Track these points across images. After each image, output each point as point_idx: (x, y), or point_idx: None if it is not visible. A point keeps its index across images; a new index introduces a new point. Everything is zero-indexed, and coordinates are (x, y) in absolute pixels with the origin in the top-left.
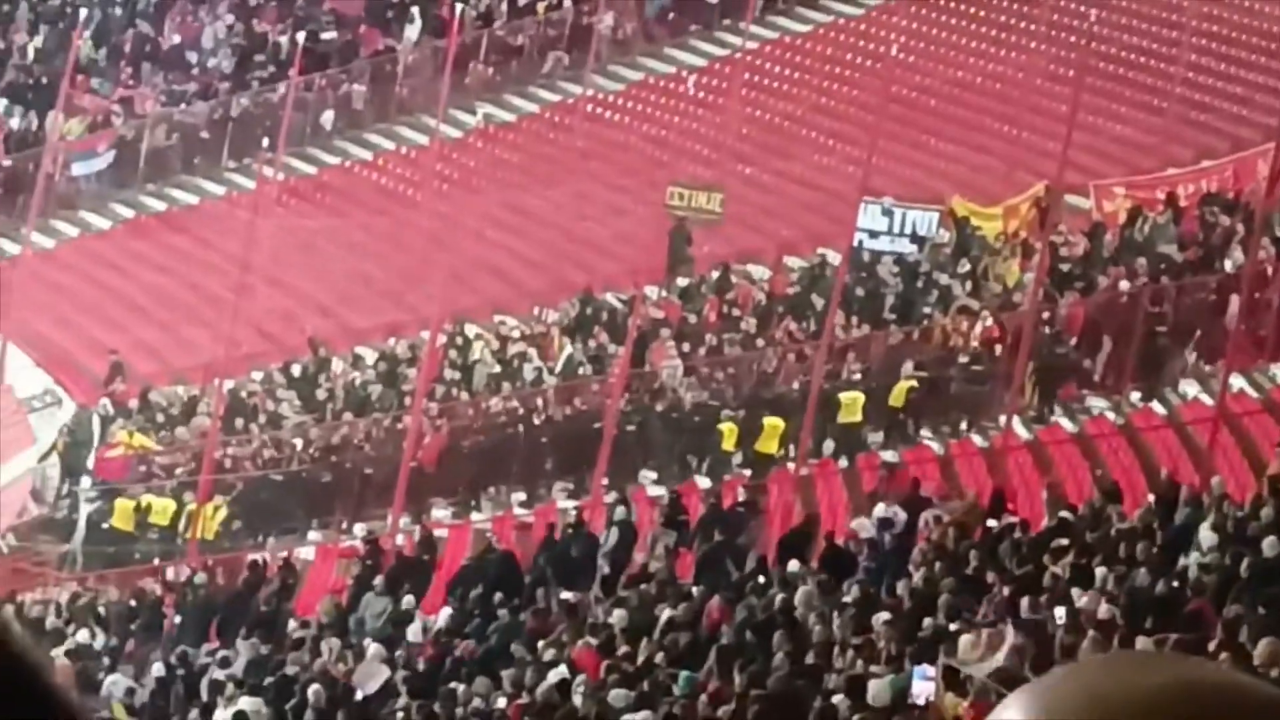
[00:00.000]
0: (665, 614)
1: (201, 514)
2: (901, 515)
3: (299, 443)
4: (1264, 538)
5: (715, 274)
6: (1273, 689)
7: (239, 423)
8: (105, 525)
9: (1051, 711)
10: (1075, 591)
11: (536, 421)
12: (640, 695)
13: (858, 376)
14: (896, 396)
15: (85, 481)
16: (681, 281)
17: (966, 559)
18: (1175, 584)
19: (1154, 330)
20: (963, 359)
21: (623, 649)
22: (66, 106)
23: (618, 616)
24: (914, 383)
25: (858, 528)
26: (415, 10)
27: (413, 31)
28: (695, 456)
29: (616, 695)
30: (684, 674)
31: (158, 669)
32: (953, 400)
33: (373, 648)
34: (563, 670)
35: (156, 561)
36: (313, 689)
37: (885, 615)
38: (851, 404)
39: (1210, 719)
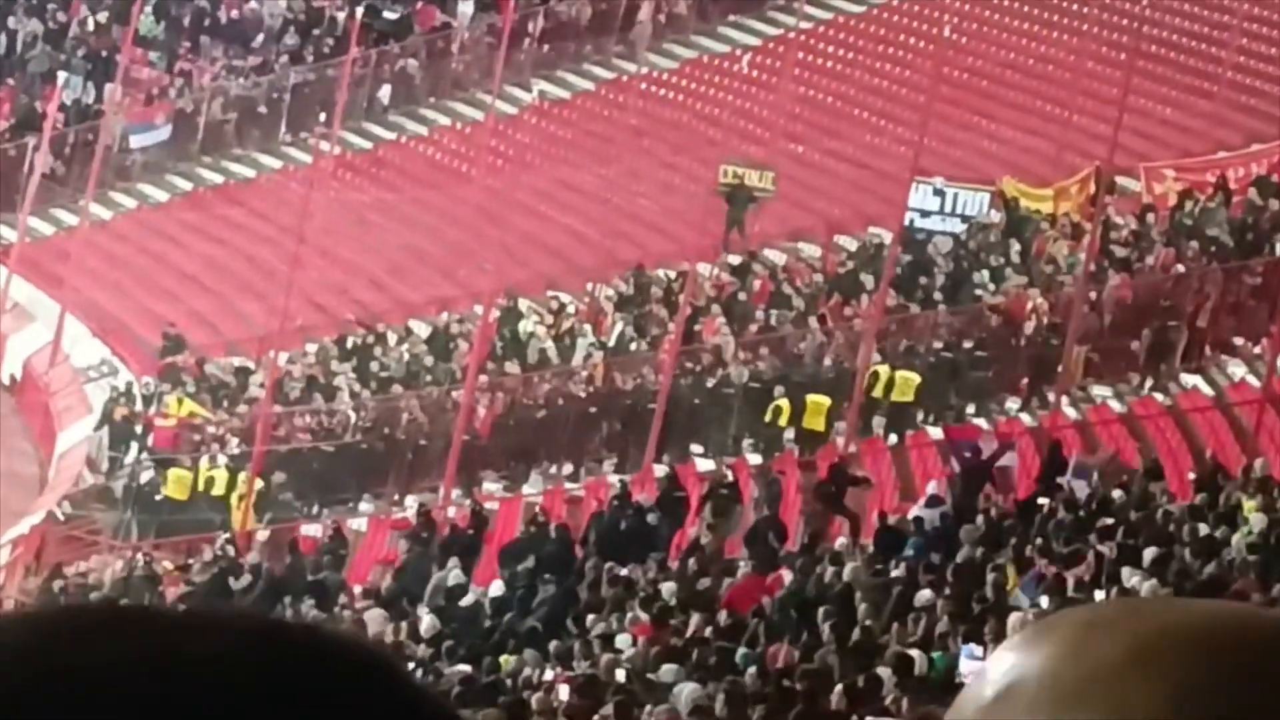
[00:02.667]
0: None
1: (249, 489)
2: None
3: (352, 415)
4: None
5: (767, 251)
6: None
7: (292, 394)
8: (159, 495)
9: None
10: (1126, 571)
11: (587, 396)
12: (690, 668)
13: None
14: (902, 388)
15: (134, 451)
16: (734, 259)
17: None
18: (1219, 564)
19: (1201, 312)
20: (1012, 339)
21: (673, 622)
22: (125, 79)
23: (668, 590)
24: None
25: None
26: None
27: (468, 7)
28: (747, 433)
29: (667, 670)
30: (741, 650)
31: None
32: (1001, 380)
33: (426, 619)
34: (613, 643)
35: (212, 530)
36: None
37: (929, 594)
38: (904, 383)
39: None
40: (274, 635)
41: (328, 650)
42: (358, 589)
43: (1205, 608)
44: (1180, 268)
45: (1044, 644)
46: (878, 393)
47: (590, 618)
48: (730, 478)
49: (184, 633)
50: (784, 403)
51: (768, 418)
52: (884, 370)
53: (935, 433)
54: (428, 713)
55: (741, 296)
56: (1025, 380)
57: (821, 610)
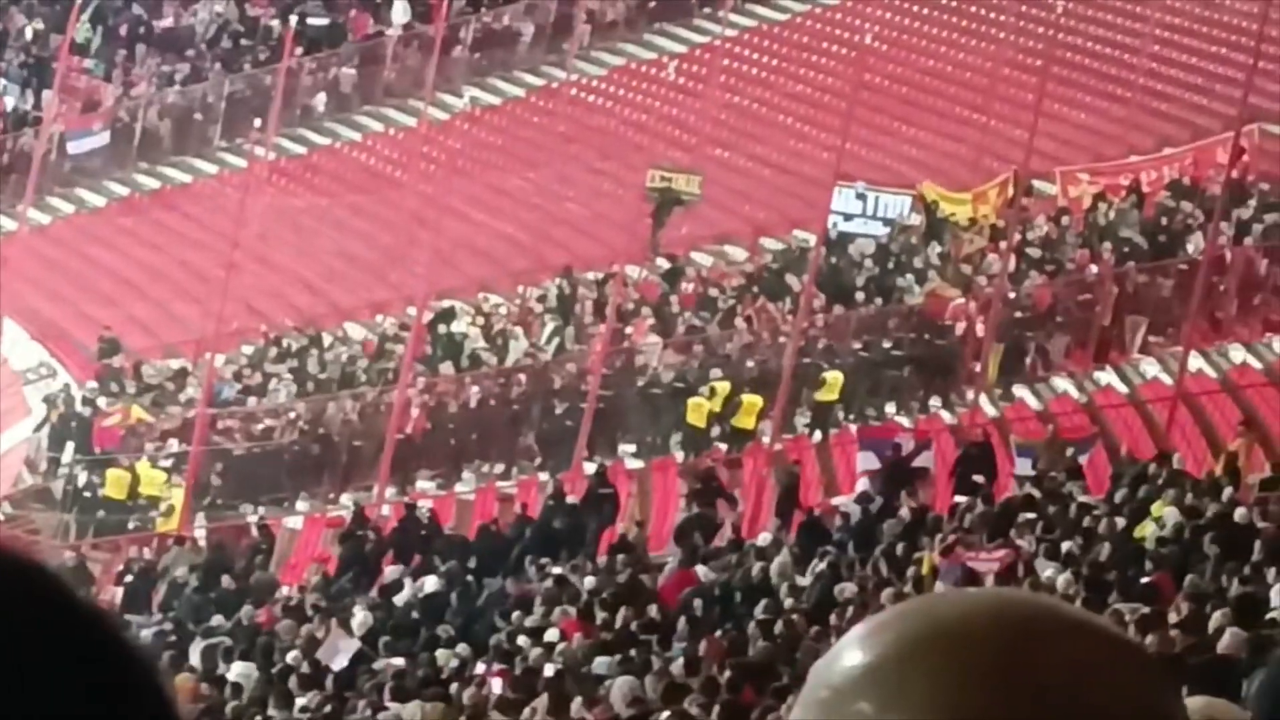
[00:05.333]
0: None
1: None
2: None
3: (288, 416)
4: (1221, 512)
5: (695, 254)
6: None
7: (227, 395)
8: (97, 494)
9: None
10: (1040, 564)
11: (518, 396)
12: (620, 661)
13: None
14: (829, 388)
15: (71, 451)
16: (662, 263)
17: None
18: (1135, 557)
19: (1116, 312)
20: (931, 339)
21: (602, 617)
22: (62, 87)
23: (596, 585)
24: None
25: (839, 503)
26: None
27: (399, 14)
28: (675, 431)
29: (599, 663)
30: (671, 643)
31: (146, 635)
32: (921, 379)
33: (359, 616)
34: (544, 638)
35: (148, 529)
36: (292, 655)
37: (852, 587)
38: (831, 383)
39: (1028, 628)
40: None
41: None
42: (285, 589)
43: (972, 602)
44: (1094, 269)
45: (850, 640)
46: (814, 392)
47: (521, 612)
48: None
49: None
50: (703, 401)
51: (691, 417)
52: (811, 369)
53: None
54: (80, 613)
55: (671, 299)
56: (945, 379)
57: (748, 603)
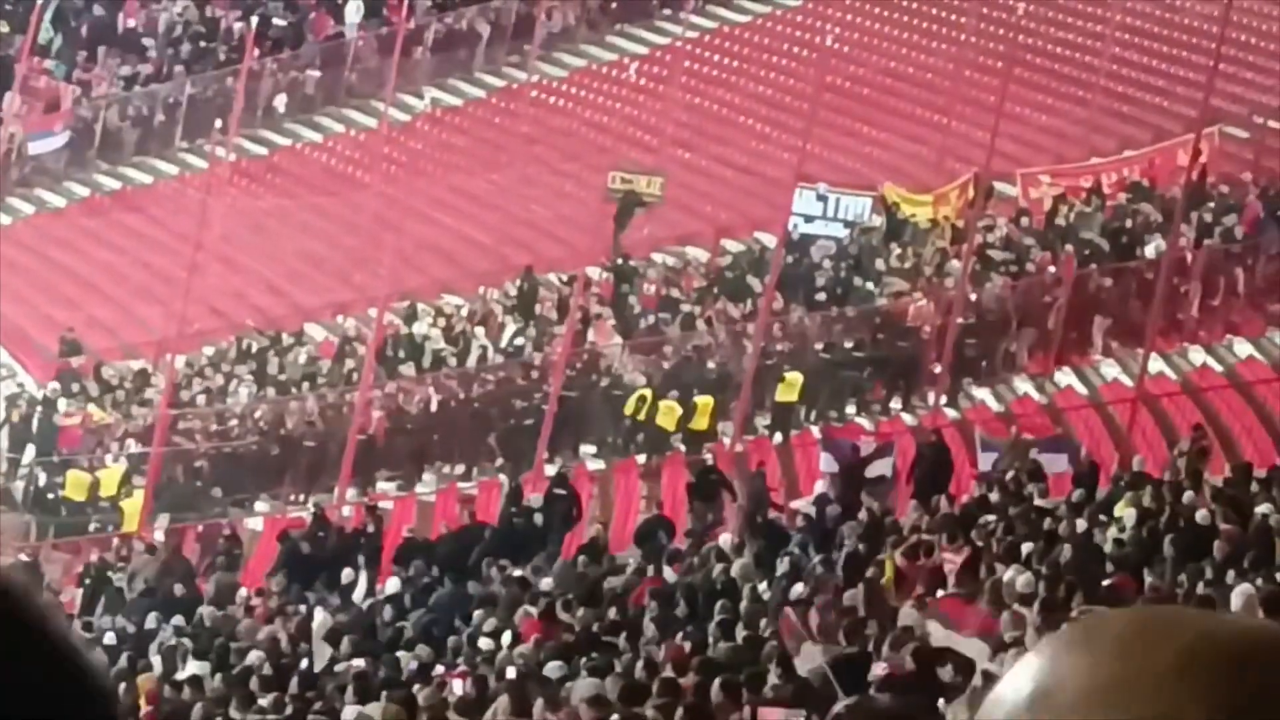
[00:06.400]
0: (605, 584)
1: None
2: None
3: (248, 417)
4: (1181, 514)
5: (656, 255)
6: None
7: (189, 396)
8: (57, 495)
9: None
10: (999, 566)
11: (480, 397)
12: (580, 663)
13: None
14: (788, 388)
15: (31, 453)
16: (622, 262)
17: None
18: (1096, 559)
19: (1077, 314)
20: (892, 340)
21: (563, 618)
22: (23, 88)
23: (554, 586)
24: (800, 375)
25: (798, 506)
26: None
27: (352, 13)
28: (637, 433)
29: (553, 666)
30: (628, 644)
31: (109, 638)
32: (882, 380)
33: (319, 617)
34: (504, 639)
35: (109, 530)
36: (254, 654)
37: (804, 589)
38: (790, 384)
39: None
40: None
41: None
42: (243, 591)
43: (1245, 626)
44: (1052, 270)
45: (1085, 647)
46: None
47: (479, 613)
48: (711, 462)
49: None
50: (666, 404)
51: (662, 420)
52: (772, 371)
53: (818, 432)
54: (50, 638)
55: (632, 300)
56: (906, 381)
57: (708, 605)
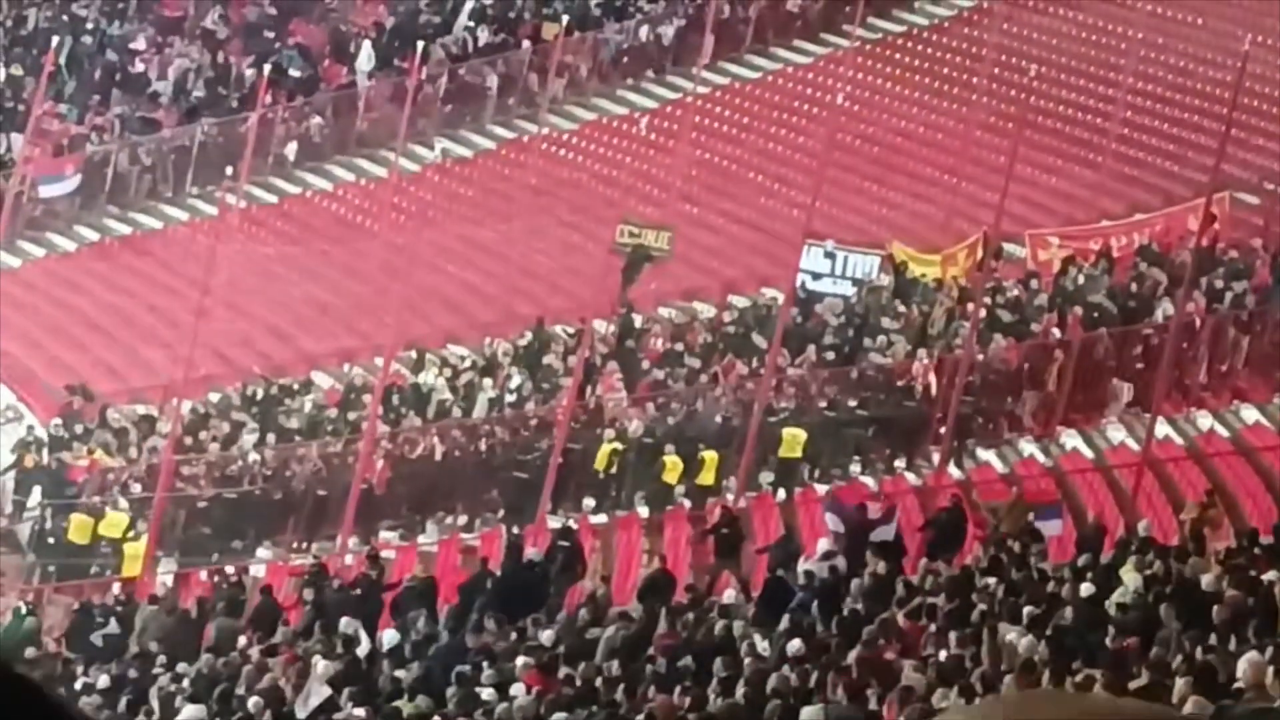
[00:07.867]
0: (605, 637)
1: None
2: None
3: (253, 463)
4: (1186, 580)
5: (663, 310)
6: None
7: (194, 442)
8: (61, 539)
9: None
10: (1003, 627)
11: (484, 448)
12: (581, 717)
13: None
14: (792, 444)
15: (38, 495)
16: (633, 318)
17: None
18: (1100, 623)
19: (1084, 377)
20: (897, 399)
21: (564, 671)
22: (35, 131)
23: (555, 639)
24: (804, 431)
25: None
26: (367, 42)
27: (364, 61)
28: (639, 488)
29: (558, 718)
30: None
31: (104, 681)
32: (886, 439)
33: (320, 665)
34: (506, 691)
35: (109, 574)
36: (253, 701)
37: (797, 643)
38: (792, 440)
39: None
40: None
41: None
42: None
43: (1117, 708)
44: (1057, 332)
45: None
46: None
47: (483, 663)
48: (733, 513)
49: None
50: (671, 459)
51: (668, 475)
52: (776, 427)
53: (823, 489)
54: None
55: (638, 355)
56: (910, 440)
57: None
